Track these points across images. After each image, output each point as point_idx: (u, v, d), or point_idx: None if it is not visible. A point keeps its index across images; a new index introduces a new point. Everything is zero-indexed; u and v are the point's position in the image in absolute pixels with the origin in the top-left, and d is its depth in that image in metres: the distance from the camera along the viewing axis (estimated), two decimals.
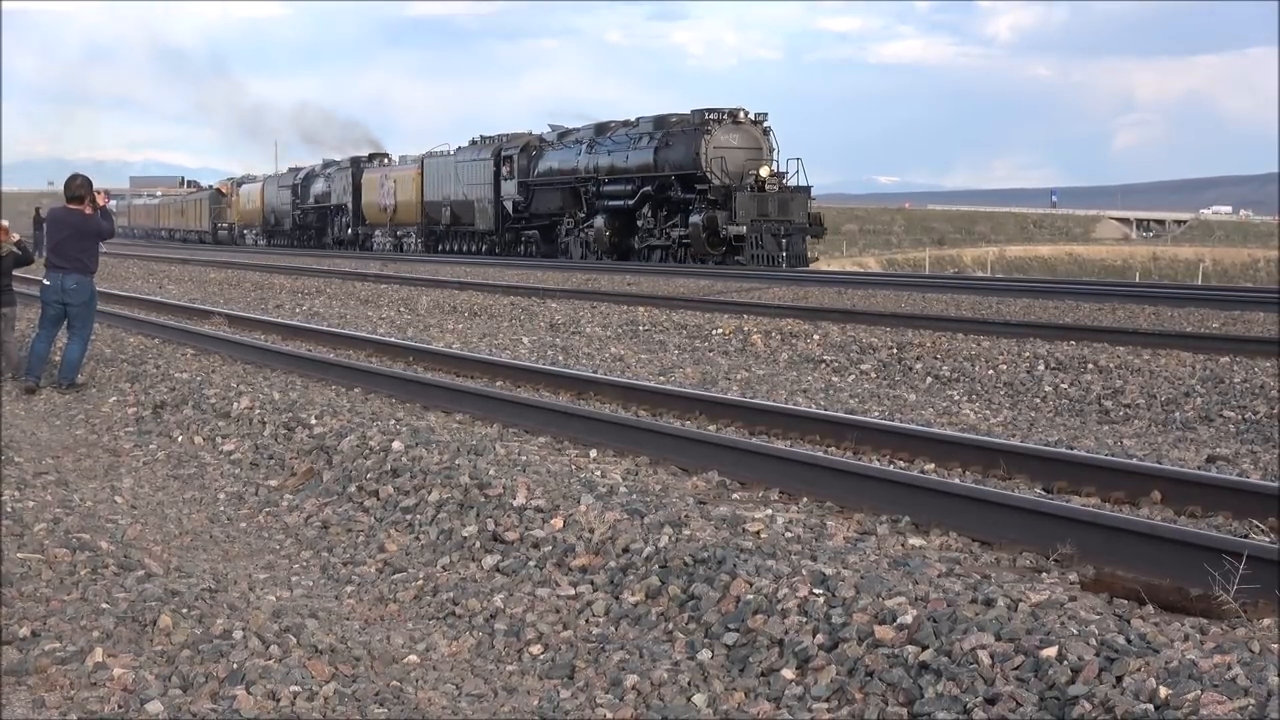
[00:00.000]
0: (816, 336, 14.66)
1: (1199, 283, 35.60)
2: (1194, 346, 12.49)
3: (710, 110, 34.07)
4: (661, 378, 12.22)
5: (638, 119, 37.55)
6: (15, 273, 13.44)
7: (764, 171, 33.08)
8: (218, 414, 10.23)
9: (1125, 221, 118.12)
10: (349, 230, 56.61)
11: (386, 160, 56.88)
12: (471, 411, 9.91)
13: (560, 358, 13.90)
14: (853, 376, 12.81)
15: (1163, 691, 3.86)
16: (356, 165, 56.82)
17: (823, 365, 13.44)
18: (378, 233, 54.34)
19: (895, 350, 13.42)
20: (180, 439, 9.86)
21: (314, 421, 9.18)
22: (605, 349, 14.80)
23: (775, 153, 34.11)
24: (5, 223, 13.26)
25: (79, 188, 12.52)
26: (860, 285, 23.30)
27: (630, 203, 36.30)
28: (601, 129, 38.79)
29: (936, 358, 12.90)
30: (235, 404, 10.28)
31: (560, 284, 25.11)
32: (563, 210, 39.94)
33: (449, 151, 48.25)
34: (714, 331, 15.82)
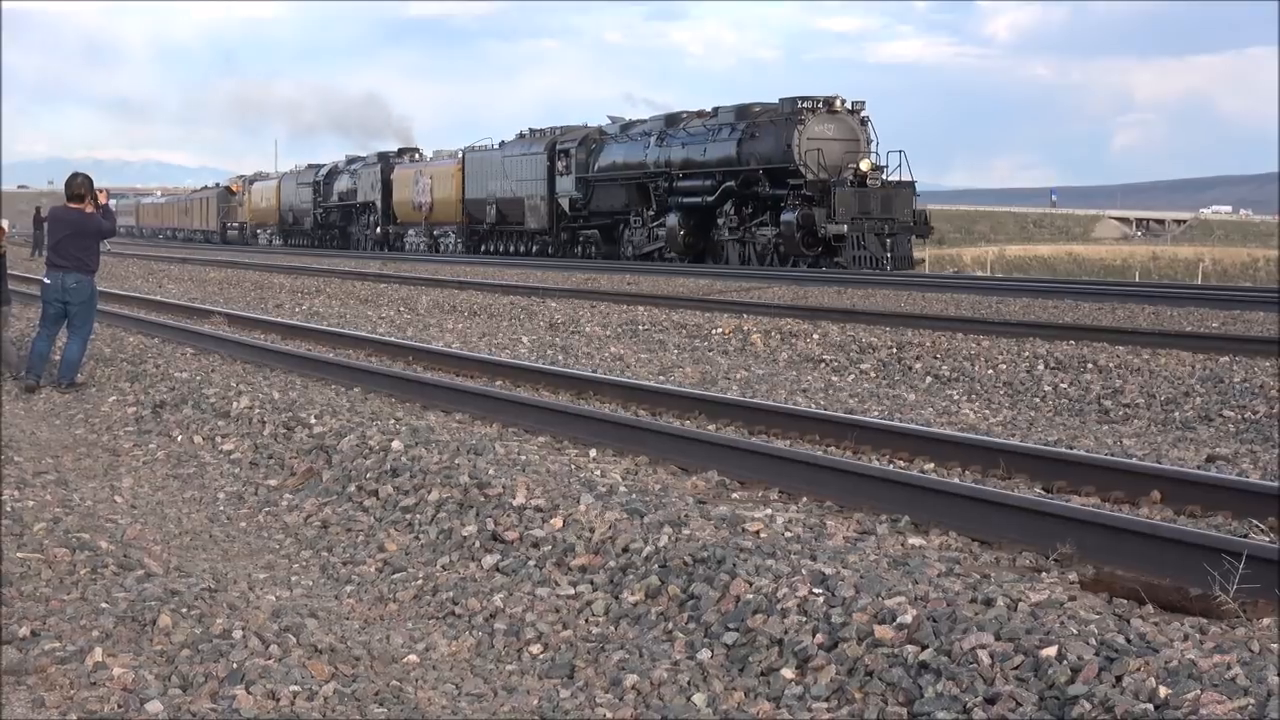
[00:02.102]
0: (816, 336, 14.66)
1: (1199, 282, 35.53)
2: (1194, 346, 12.49)
3: (802, 98, 31.52)
4: (661, 377, 12.22)
5: (715, 109, 34.97)
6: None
7: (865, 165, 30.48)
8: (217, 413, 10.23)
9: (1125, 221, 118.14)
10: (378, 229, 54.05)
11: (418, 156, 54.34)
12: (471, 411, 9.91)
13: (560, 357, 13.90)
14: (852, 376, 12.81)
15: (1162, 691, 3.86)
16: (385, 161, 54.15)
17: (822, 365, 13.45)
18: (411, 232, 51.75)
19: (895, 350, 13.42)
20: (180, 438, 9.86)
21: (314, 421, 9.18)
22: (605, 348, 14.80)
23: (874, 145, 31.60)
24: (5, 223, 13.26)
25: (79, 186, 12.51)
26: (860, 285, 23.29)
27: (709, 199, 33.59)
28: (672, 120, 36.29)
29: (936, 357, 12.90)
30: (235, 403, 10.28)
31: (560, 283, 25.12)
32: (628, 208, 37.35)
33: (493, 146, 45.63)
34: (714, 331, 15.82)
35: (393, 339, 15.32)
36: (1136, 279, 37.35)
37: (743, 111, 33.42)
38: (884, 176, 30.99)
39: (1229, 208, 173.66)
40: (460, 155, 48.03)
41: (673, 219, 34.91)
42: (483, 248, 46.03)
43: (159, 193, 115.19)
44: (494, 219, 44.73)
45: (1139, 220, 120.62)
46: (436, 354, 13.59)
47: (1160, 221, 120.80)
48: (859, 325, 15.34)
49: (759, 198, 32.38)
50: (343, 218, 59.29)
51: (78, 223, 12.50)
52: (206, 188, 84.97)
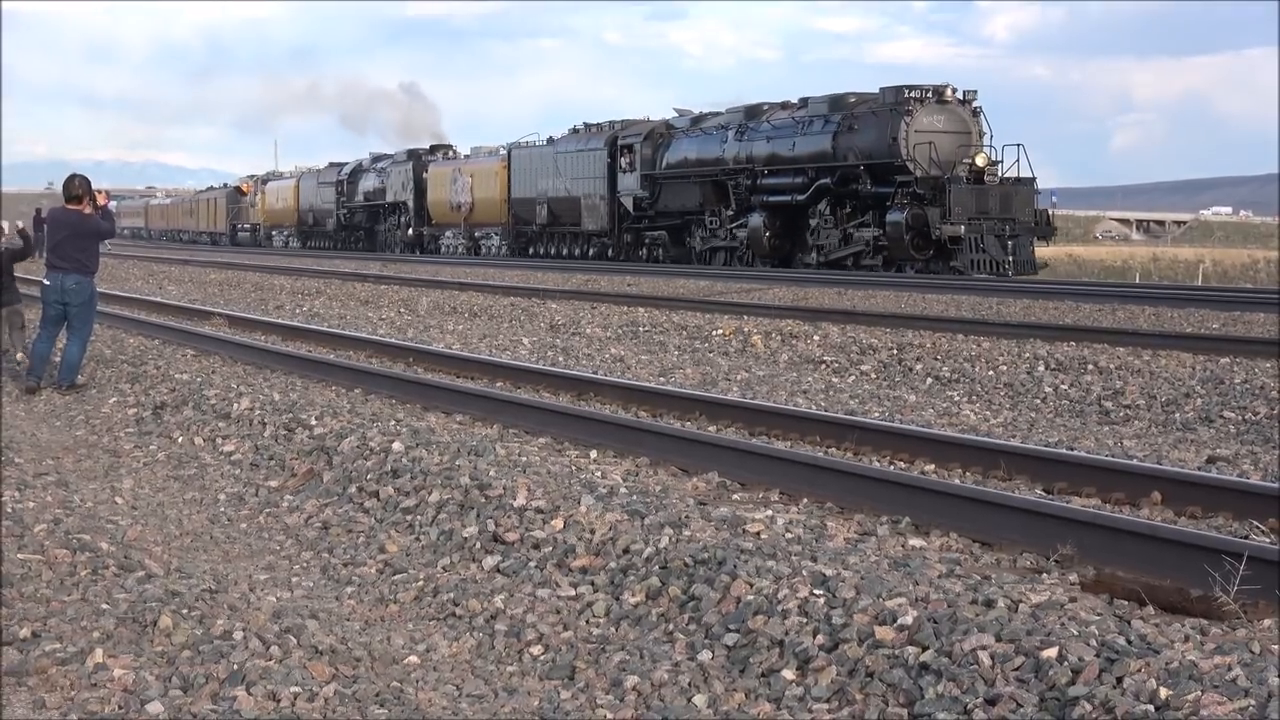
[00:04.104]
0: (816, 337, 14.66)
1: (1199, 283, 35.52)
2: (1194, 347, 12.50)
3: (909, 88, 28.74)
4: (662, 378, 12.22)
5: (804, 100, 32.13)
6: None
7: (980, 160, 28.07)
8: (218, 415, 10.23)
9: (1125, 222, 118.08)
10: (409, 231, 51.19)
11: (452, 153, 51.63)
12: (472, 412, 9.91)
13: (560, 358, 13.90)
14: (853, 377, 12.81)
15: (1163, 692, 3.86)
16: (417, 159, 51.26)
17: (823, 366, 13.44)
18: (448, 234, 49.05)
19: (895, 351, 13.43)
20: (180, 440, 9.86)
21: (314, 422, 9.18)
22: (605, 350, 14.80)
23: (989, 138, 28.92)
24: (6, 224, 13.26)
25: (77, 187, 12.52)
26: (860, 285, 23.29)
27: (800, 198, 30.62)
28: (752, 113, 33.40)
29: (936, 358, 12.90)
30: (235, 405, 10.28)
31: (560, 284, 25.13)
32: (702, 207, 34.36)
33: (541, 142, 42.73)
34: (714, 332, 15.82)
35: (393, 340, 15.32)
36: (1137, 280, 37.35)
37: (837, 102, 30.72)
38: (1000, 172, 28.67)
39: (1229, 209, 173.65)
40: (504, 152, 44.86)
41: (756, 219, 31.92)
42: (531, 250, 43.17)
43: (160, 194, 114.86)
44: (545, 220, 41.68)
45: (1139, 221, 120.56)
46: (437, 355, 13.60)
47: (1160, 222, 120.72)
48: (859, 326, 15.35)
49: (859, 196, 29.55)
50: (369, 219, 56.47)
51: (76, 224, 12.51)
52: (213, 188, 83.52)
